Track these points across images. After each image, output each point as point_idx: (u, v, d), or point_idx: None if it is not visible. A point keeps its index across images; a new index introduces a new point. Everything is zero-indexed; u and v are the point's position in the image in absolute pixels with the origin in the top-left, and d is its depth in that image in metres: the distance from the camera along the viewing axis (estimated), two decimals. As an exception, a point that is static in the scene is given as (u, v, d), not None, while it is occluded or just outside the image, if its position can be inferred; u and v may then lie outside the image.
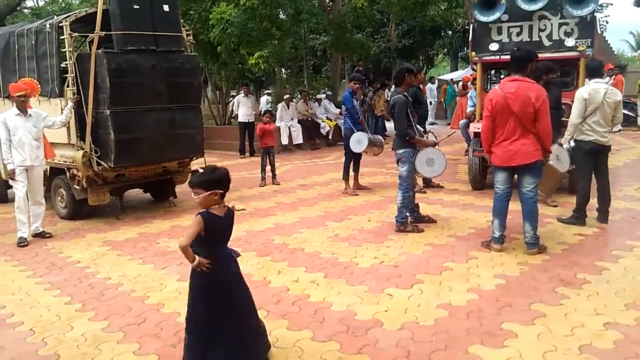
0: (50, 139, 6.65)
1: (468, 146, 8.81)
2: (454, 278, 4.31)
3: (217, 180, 2.78)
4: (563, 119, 6.22)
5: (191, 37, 7.53)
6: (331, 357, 3.13)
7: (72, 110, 6.30)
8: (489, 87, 7.94)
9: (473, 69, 8.65)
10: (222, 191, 2.80)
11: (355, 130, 7.59)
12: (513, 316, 3.58)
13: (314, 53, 20.96)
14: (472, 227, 5.76)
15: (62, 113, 6.35)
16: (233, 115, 15.05)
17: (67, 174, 6.77)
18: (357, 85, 7.96)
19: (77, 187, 6.64)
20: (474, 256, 4.81)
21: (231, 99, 15.94)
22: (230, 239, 2.99)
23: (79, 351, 3.35)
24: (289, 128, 13.39)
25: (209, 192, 2.74)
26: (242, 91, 13.65)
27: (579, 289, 4.01)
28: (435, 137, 6.60)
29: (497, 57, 7.22)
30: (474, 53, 7.45)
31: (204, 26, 12.26)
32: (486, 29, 7.28)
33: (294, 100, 14.16)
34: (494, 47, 7.24)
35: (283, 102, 13.56)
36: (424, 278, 4.33)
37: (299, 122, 13.70)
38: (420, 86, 7.61)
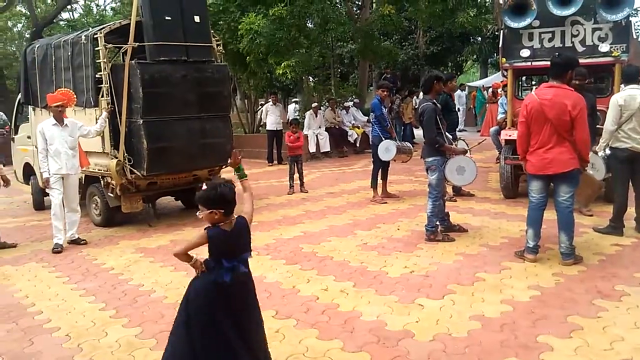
0: (85, 147, 6.84)
1: (499, 153, 8.66)
2: (486, 289, 4.23)
3: (216, 200, 2.64)
4: (598, 126, 6.07)
5: (221, 47, 7.65)
6: (362, 368, 3.10)
7: (107, 120, 6.46)
8: (520, 94, 7.82)
9: (504, 75, 8.53)
10: (222, 210, 2.66)
11: (383, 138, 7.56)
12: (549, 329, 3.49)
13: (342, 61, 20.99)
14: (504, 237, 5.65)
15: (96, 122, 6.53)
16: (261, 124, 15.19)
17: (102, 182, 6.95)
18: (385, 93, 7.93)
19: (111, 195, 6.79)
20: (507, 266, 4.72)
21: (259, 107, 16.10)
22: (251, 244, 2.86)
23: (113, 357, 3.41)
24: (317, 136, 13.43)
25: (209, 211, 2.65)
26: (270, 99, 13.78)
27: (618, 302, 3.88)
28: (467, 145, 6.53)
29: (529, 63, 7.09)
30: (504, 59, 7.34)
31: (233, 36, 12.43)
32: (517, 35, 7.17)
33: (321, 108, 14.21)
34: (525, 53, 7.12)
35: (311, 110, 13.62)
36: (455, 288, 4.26)
37: (326, 129, 13.73)
38: (451, 93, 7.54)
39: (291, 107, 17.12)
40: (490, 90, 13.01)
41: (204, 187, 2.72)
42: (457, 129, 7.61)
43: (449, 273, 4.63)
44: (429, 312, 3.84)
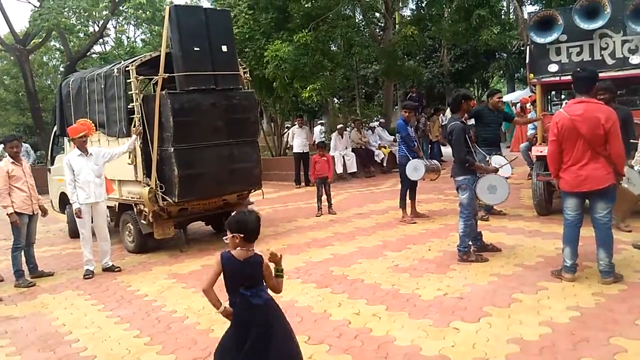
0: (118, 176, 7.03)
1: (531, 170, 8.51)
2: (523, 310, 4.11)
3: (237, 225, 2.81)
4: (632, 141, 5.91)
5: (248, 74, 7.79)
6: (398, 395, 3.04)
7: (135, 143, 6.63)
8: (549, 109, 7.70)
9: (532, 91, 8.43)
10: (242, 235, 2.80)
11: (410, 158, 7.52)
12: (591, 351, 3.36)
13: (366, 82, 21.12)
14: (540, 256, 5.50)
15: (129, 152, 6.70)
16: (288, 146, 15.33)
17: (135, 209, 7.09)
18: (408, 113, 7.92)
19: (144, 222, 6.92)
20: (544, 287, 4.58)
21: (286, 130, 16.27)
22: (254, 284, 2.86)
23: (148, 385, 3.44)
24: (344, 157, 13.46)
25: (231, 235, 2.81)
26: (296, 122, 13.92)
27: (664, 322, 3.72)
28: (506, 159, 6.46)
29: (557, 78, 7.00)
30: (532, 75, 7.26)
31: (259, 62, 12.67)
32: (544, 50, 7.09)
33: (347, 129, 14.26)
34: (553, 68, 7.03)
35: (337, 131, 13.69)
36: (491, 311, 4.16)
37: (353, 150, 13.76)
38: (490, 107, 7.30)
39: (317, 129, 17.24)
40: (519, 105, 12.83)
41: (233, 213, 2.90)
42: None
43: (484, 294, 4.52)
44: (465, 335, 3.75)
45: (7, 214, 6.02)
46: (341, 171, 13.37)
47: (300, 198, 11.23)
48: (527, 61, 7.40)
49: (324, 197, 8.97)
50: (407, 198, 7.93)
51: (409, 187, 7.85)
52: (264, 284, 2.88)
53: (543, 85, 7.33)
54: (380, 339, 3.82)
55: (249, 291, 2.81)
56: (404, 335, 3.83)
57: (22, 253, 6.24)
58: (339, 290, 4.97)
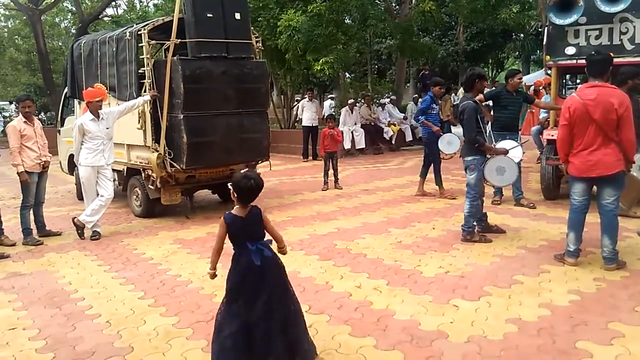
0: (127, 141, 7.04)
1: (540, 154, 8.44)
2: (524, 292, 4.14)
3: (232, 185, 3.00)
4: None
5: (260, 44, 7.71)
6: (395, 367, 3.09)
7: (147, 102, 6.61)
8: (564, 93, 7.58)
9: (547, 73, 8.29)
10: (235, 195, 3.00)
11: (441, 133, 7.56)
12: (588, 335, 3.39)
13: (379, 57, 20.86)
14: (544, 239, 5.51)
15: (138, 117, 6.71)
16: (297, 119, 15.27)
17: (143, 174, 7.13)
18: (439, 89, 7.87)
19: (152, 187, 6.97)
20: (546, 270, 4.60)
21: (296, 103, 16.19)
22: (263, 236, 3.09)
23: (151, 345, 3.51)
24: (352, 132, 13.40)
25: (232, 191, 3.01)
26: (306, 96, 13.83)
27: (663, 310, 3.74)
28: (520, 139, 6.37)
29: (574, 61, 6.88)
30: (548, 57, 7.14)
31: (272, 33, 12.52)
32: (562, 32, 6.96)
33: (357, 104, 14.16)
34: (570, 50, 6.90)
35: (347, 106, 13.60)
36: (491, 290, 4.19)
37: (362, 126, 13.69)
38: (509, 89, 6.91)
39: (327, 103, 17.13)
40: (532, 88, 12.65)
41: (241, 171, 3.17)
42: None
43: (485, 274, 4.55)
44: (464, 313, 3.79)
45: (18, 173, 6.07)
46: (349, 147, 13.33)
47: (307, 172, 11.24)
48: (544, 43, 7.27)
49: (331, 171, 8.98)
50: (421, 176, 8.00)
51: (431, 164, 7.85)
52: (265, 239, 3.08)
53: (559, 68, 7.22)
54: (380, 312, 3.87)
55: (254, 245, 2.98)
56: (404, 310, 3.87)
57: (31, 212, 6.32)
58: (342, 263, 5.01)
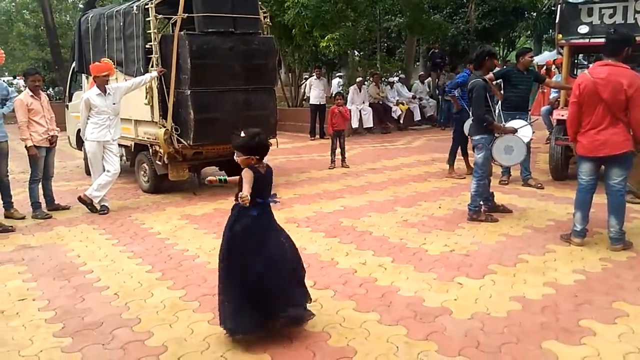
0: (135, 116, 7.03)
1: (550, 134, 8.36)
2: (529, 271, 4.14)
3: (254, 148, 3.09)
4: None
5: (268, 20, 7.63)
6: (398, 341, 3.12)
7: (154, 79, 6.59)
8: (575, 72, 7.47)
9: (559, 53, 8.17)
10: (257, 157, 3.11)
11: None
12: (592, 314, 3.40)
13: (388, 35, 20.56)
14: (550, 219, 5.50)
15: (146, 92, 6.70)
16: (305, 97, 15.19)
17: (150, 150, 7.15)
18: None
19: (159, 163, 6.99)
20: (552, 249, 4.60)
21: (303, 81, 16.09)
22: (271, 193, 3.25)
23: (158, 317, 3.56)
24: (360, 111, 13.32)
25: (246, 157, 3.10)
26: (314, 73, 13.73)
27: (669, 291, 3.74)
28: (530, 118, 6.29)
29: (587, 40, 6.76)
30: (560, 36, 7.02)
31: (280, 8, 12.39)
32: (575, 10, 6.82)
33: (365, 83, 14.04)
34: (583, 29, 6.78)
35: (355, 84, 13.49)
36: (496, 269, 4.20)
37: (370, 105, 13.59)
38: (520, 68, 6.73)
39: (335, 81, 17.02)
40: (544, 67, 12.47)
41: (242, 134, 3.11)
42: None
43: (490, 253, 4.56)
44: (468, 290, 3.81)
45: (26, 147, 6.11)
46: (357, 126, 13.26)
47: (314, 150, 11.23)
48: (556, 21, 7.14)
49: (338, 150, 8.96)
50: (463, 155, 7.96)
51: (462, 143, 7.80)
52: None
53: (571, 47, 7.10)
54: (385, 288, 3.90)
55: (271, 199, 3.21)
56: (408, 287, 3.90)
57: (40, 186, 6.37)
58: (347, 240, 5.04)
